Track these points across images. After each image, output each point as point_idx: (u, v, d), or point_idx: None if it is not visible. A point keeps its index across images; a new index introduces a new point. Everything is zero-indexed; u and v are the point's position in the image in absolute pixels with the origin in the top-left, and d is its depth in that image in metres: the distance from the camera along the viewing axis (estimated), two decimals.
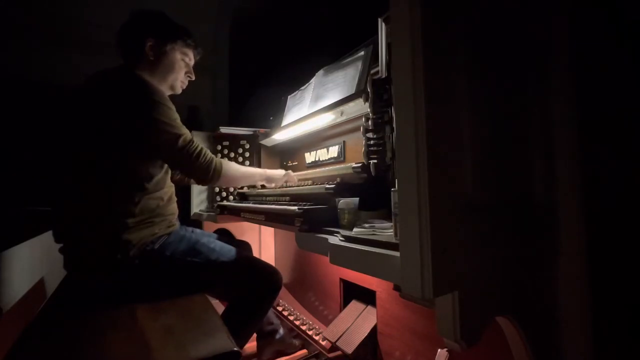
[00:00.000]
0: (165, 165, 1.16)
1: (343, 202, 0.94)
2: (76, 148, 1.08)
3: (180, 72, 1.27)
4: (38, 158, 2.44)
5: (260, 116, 2.33)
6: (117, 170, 1.04)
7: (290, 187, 1.48)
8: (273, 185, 1.52)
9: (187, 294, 1.07)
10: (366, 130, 0.86)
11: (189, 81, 1.35)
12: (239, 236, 1.65)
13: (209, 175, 1.17)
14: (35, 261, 1.57)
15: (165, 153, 1.09)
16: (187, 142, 1.10)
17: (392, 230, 0.73)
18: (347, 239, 0.79)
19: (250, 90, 3.33)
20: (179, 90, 1.32)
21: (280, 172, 1.54)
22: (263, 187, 1.69)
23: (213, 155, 1.20)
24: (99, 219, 1.02)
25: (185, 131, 1.11)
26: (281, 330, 1.54)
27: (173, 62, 1.23)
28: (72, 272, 1.09)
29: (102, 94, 1.06)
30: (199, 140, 1.17)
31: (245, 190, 1.82)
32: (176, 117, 1.10)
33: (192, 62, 1.32)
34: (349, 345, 1.33)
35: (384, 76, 0.83)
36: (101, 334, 0.85)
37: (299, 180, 1.53)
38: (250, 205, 1.45)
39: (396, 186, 0.60)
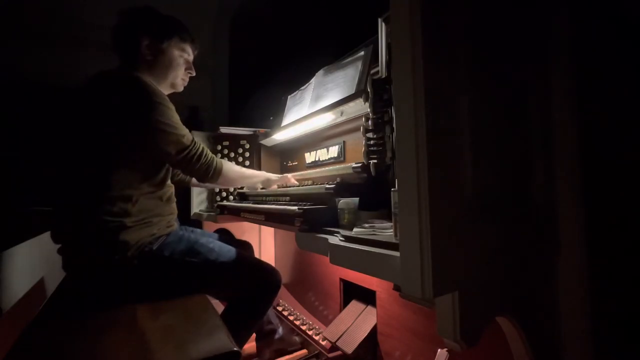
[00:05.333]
0: (165, 166, 1.16)
1: (343, 202, 0.94)
2: (75, 149, 1.08)
3: (179, 69, 1.26)
4: (38, 158, 2.43)
5: (260, 116, 2.33)
6: (115, 171, 1.04)
7: (290, 187, 1.48)
8: (272, 187, 1.55)
9: (187, 294, 1.07)
10: (366, 130, 0.86)
11: (190, 80, 1.33)
12: (239, 236, 1.64)
13: (209, 175, 1.20)
14: (35, 261, 1.57)
15: (167, 154, 1.09)
16: (189, 143, 1.11)
17: (392, 230, 0.73)
18: (347, 239, 0.79)
19: (250, 90, 3.33)
20: (180, 88, 1.31)
21: (278, 176, 1.57)
22: (263, 187, 1.69)
23: (213, 155, 1.21)
24: (96, 219, 1.01)
25: (186, 131, 1.11)
26: (280, 330, 1.54)
27: (171, 59, 1.22)
28: (71, 273, 1.09)
29: (101, 95, 1.05)
30: (199, 141, 1.17)
31: (245, 190, 1.82)
32: (176, 117, 1.09)
33: (191, 58, 1.30)
34: (349, 345, 1.33)
35: (384, 76, 0.83)
36: (101, 334, 0.85)
37: (299, 180, 1.53)
38: (250, 205, 1.45)
39: (396, 186, 0.60)
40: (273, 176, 1.55)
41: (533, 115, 0.77)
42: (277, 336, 1.52)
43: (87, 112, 1.07)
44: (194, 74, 1.33)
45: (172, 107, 1.09)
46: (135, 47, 1.16)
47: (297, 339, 1.63)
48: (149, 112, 1.03)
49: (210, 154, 1.19)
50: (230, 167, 1.29)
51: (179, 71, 1.26)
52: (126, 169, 1.05)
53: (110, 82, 1.07)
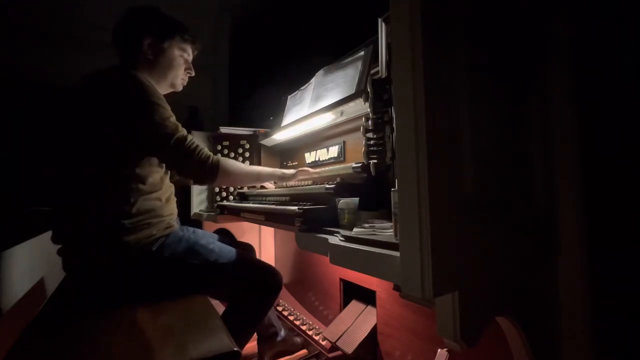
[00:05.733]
0: (164, 166, 1.15)
1: (343, 202, 0.94)
2: (72, 148, 1.07)
3: (179, 68, 1.26)
4: (38, 158, 2.43)
5: (260, 116, 2.33)
6: (114, 171, 1.04)
7: (290, 186, 1.48)
8: (285, 183, 1.44)
9: (187, 295, 1.07)
10: (366, 130, 0.86)
11: (189, 80, 1.34)
12: (239, 236, 1.64)
13: (204, 172, 1.13)
14: (35, 261, 1.57)
15: (159, 152, 1.08)
16: (180, 140, 1.07)
17: (392, 230, 0.73)
18: (347, 239, 0.79)
19: (250, 90, 3.33)
20: (179, 88, 1.31)
21: (293, 170, 1.44)
22: (262, 187, 1.69)
23: (210, 153, 1.15)
24: (96, 220, 1.01)
25: (179, 129, 1.09)
26: (282, 332, 1.53)
27: (172, 59, 1.22)
28: (71, 273, 1.09)
29: (96, 93, 1.05)
30: (199, 141, 1.17)
31: (245, 190, 1.82)
32: (170, 115, 1.08)
33: (190, 58, 1.30)
34: (349, 345, 1.33)
35: (384, 76, 0.83)
36: (101, 334, 0.85)
37: (299, 180, 1.53)
38: (250, 205, 1.45)
39: (396, 186, 0.60)
40: (288, 172, 1.41)
41: (533, 115, 0.77)
42: (279, 339, 1.51)
43: (84, 111, 1.06)
44: (194, 74, 1.33)
45: (167, 105, 1.09)
46: (137, 45, 1.16)
47: (298, 340, 1.63)
48: (142, 110, 1.03)
49: (205, 151, 1.14)
50: (231, 165, 1.21)
51: (178, 71, 1.26)
52: (125, 169, 1.05)
53: (105, 81, 1.07)
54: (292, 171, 1.42)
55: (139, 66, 1.17)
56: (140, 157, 1.07)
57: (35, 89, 2.69)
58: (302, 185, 1.37)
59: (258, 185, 1.63)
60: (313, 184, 1.36)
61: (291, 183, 1.51)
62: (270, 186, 1.67)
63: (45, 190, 1.18)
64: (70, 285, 1.09)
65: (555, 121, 0.77)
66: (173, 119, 1.09)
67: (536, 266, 0.76)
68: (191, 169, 1.12)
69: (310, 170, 1.41)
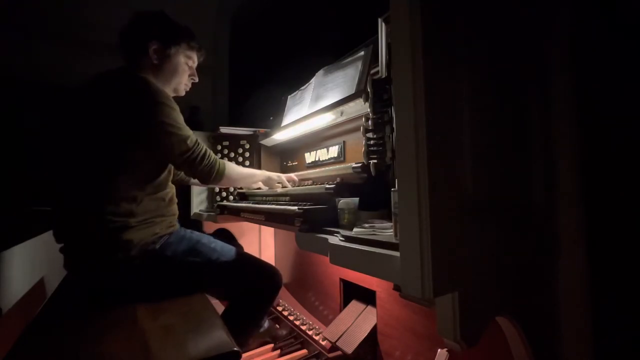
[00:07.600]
0: (168, 167, 1.16)
1: (343, 202, 0.94)
2: (78, 148, 1.08)
3: (184, 75, 1.27)
4: (38, 158, 2.44)
5: (260, 116, 2.33)
6: (120, 171, 1.04)
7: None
8: (268, 187, 1.49)
9: (188, 294, 1.08)
10: (366, 130, 0.85)
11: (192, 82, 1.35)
12: (238, 236, 1.64)
13: (212, 176, 1.19)
14: (35, 261, 1.57)
15: (170, 155, 1.09)
16: (193, 144, 1.11)
17: (392, 230, 0.73)
18: (347, 239, 0.79)
19: (250, 90, 3.33)
20: (182, 93, 1.31)
21: (278, 174, 1.51)
22: (259, 188, 1.69)
23: (216, 157, 1.21)
24: (100, 218, 1.02)
25: (189, 132, 1.12)
26: (265, 324, 1.59)
27: (177, 65, 1.23)
28: (73, 272, 1.09)
29: (105, 94, 1.06)
30: (202, 142, 1.18)
31: (245, 190, 1.81)
32: (181, 118, 1.10)
33: (195, 65, 1.31)
34: (349, 345, 1.33)
35: (384, 76, 0.83)
36: (101, 334, 0.85)
37: (300, 179, 1.53)
38: (250, 205, 1.45)
39: (396, 186, 0.60)
40: (274, 175, 1.50)
41: (533, 115, 0.77)
42: (261, 330, 1.57)
43: (92, 111, 1.07)
44: (197, 80, 1.34)
45: (176, 107, 1.09)
46: (143, 49, 1.16)
47: (284, 331, 1.66)
48: (153, 112, 1.03)
49: (212, 156, 1.19)
50: (233, 169, 1.28)
51: (182, 77, 1.27)
52: (131, 169, 1.06)
53: (115, 82, 1.07)
54: (277, 175, 1.47)
55: (144, 70, 1.17)
56: (148, 157, 1.08)
57: (35, 89, 2.69)
58: (302, 185, 1.37)
59: (253, 186, 1.64)
60: (313, 184, 1.36)
61: (286, 184, 1.50)
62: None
63: (45, 190, 1.18)
64: (71, 285, 1.09)
65: (556, 121, 0.77)
66: (183, 121, 1.11)
67: (536, 266, 0.76)
68: (200, 172, 1.16)
69: (293, 176, 1.51)
